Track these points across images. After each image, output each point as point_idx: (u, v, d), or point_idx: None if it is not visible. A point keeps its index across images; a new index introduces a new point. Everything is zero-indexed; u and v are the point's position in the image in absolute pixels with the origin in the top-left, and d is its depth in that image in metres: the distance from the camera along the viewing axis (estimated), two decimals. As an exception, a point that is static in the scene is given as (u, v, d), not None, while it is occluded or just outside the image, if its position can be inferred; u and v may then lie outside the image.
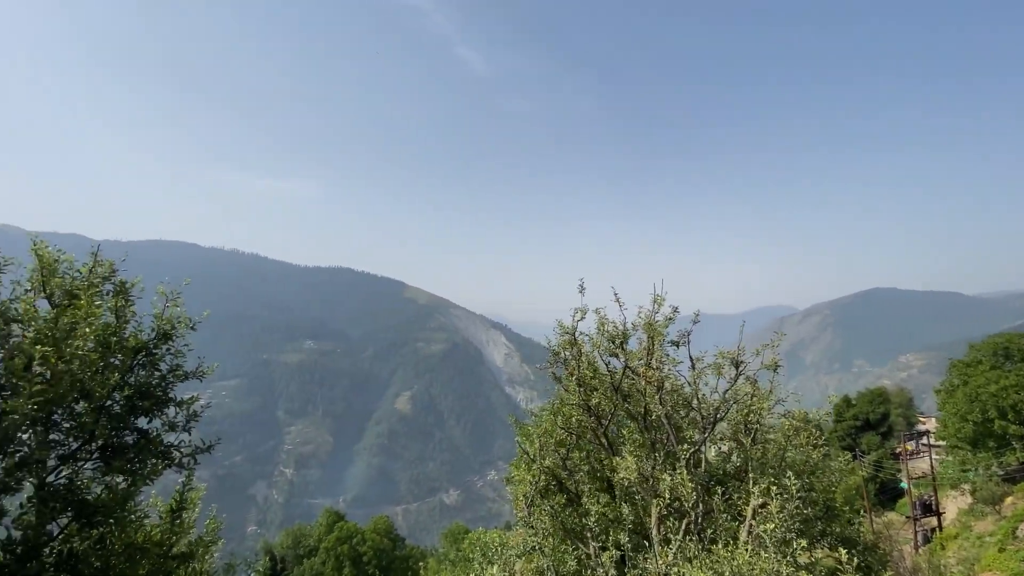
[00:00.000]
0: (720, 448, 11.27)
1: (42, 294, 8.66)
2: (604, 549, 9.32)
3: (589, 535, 9.41)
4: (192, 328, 9.83)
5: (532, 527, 10.27)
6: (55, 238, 9.41)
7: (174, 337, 9.46)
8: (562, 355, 10.62)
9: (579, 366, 10.19)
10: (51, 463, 8.12)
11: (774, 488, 8.17)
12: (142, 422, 8.95)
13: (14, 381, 7.48)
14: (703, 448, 10.26)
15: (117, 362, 8.64)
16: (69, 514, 7.98)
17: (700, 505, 9.16)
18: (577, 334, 10.36)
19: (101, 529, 7.98)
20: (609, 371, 10.41)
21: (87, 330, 7.91)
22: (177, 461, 8.83)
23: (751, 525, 8.46)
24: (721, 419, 10.05)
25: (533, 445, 11.17)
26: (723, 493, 9.46)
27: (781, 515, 7.75)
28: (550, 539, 10.27)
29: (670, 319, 9.85)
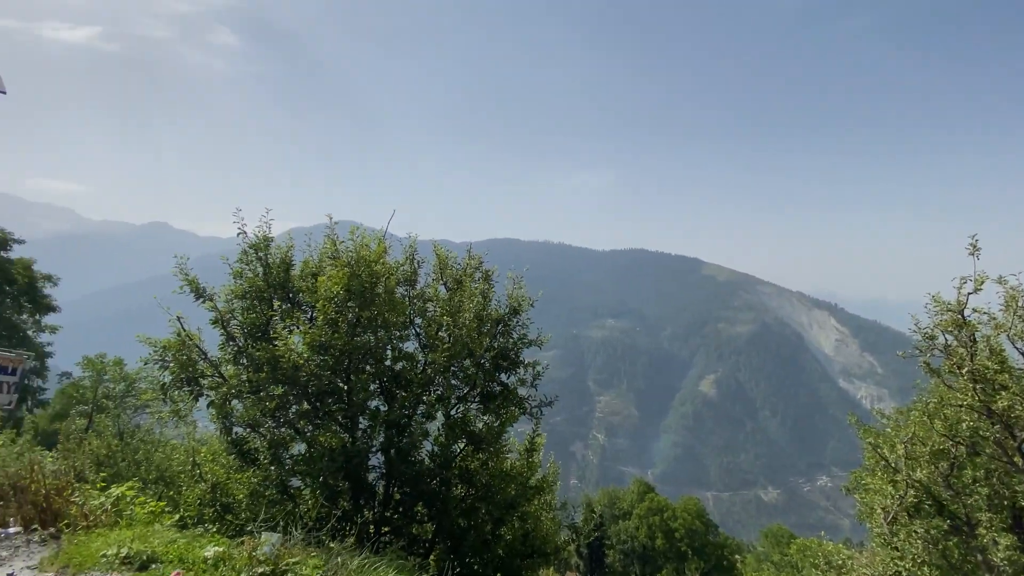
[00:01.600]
0: None
1: (440, 282, 11.97)
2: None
3: (995, 579, 7.05)
4: (531, 305, 11.89)
5: (896, 549, 8.37)
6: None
7: (520, 313, 11.66)
8: (941, 340, 8.13)
9: (972, 355, 7.60)
10: (452, 401, 11.23)
11: None
12: (504, 377, 11.41)
13: (432, 341, 10.68)
14: None
15: (486, 330, 11.22)
16: (464, 440, 10.89)
17: None
18: (967, 312, 7.74)
19: (484, 455, 10.62)
20: (1029, 364, 7.43)
21: (469, 306, 10.56)
22: (529, 410, 10.95)
23: None
24: None
25: (894, 451, 9.05)
26: None
27: None
28: (924, 569, 8.16)
29: None
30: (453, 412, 10.90)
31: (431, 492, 9.99)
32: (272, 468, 9.24)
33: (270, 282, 9.95)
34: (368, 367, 9.89)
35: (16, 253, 28.80)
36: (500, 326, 11.46)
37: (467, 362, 10.79)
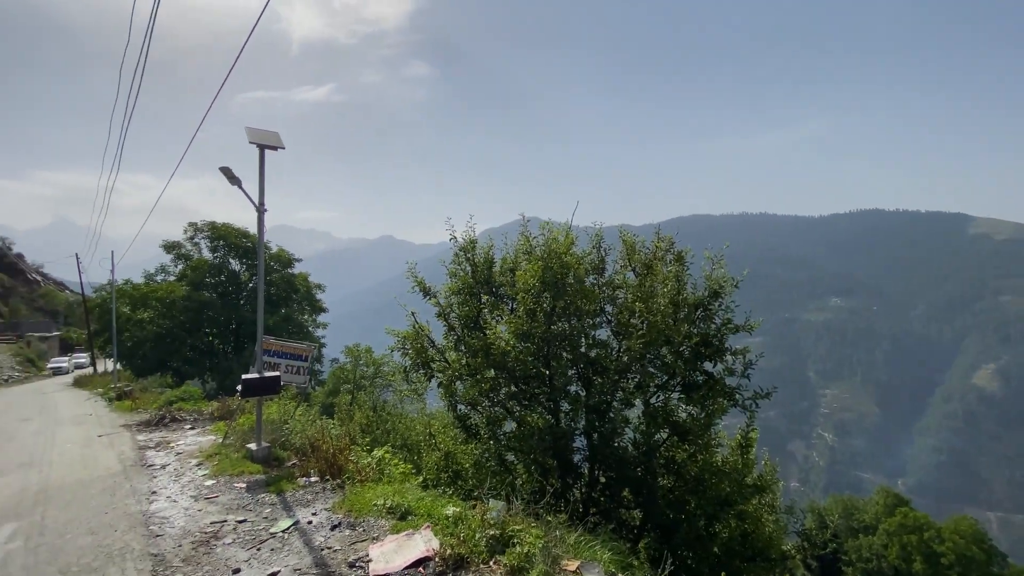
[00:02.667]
0: None
1: (628, 267, 11.75)
2: None
3: None
4: (735, 287, 10.83)
5: None
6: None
7: (722, 295, 10.72)
8: None
9: None
10: (651, 389, 10.96)
11: None
12: (707, 366, 10.66)
13: (625, 328, 10.58)
14: None
15: (683, 316, 10.64)
16: (666, 430, 10.53)
17: None
18: None
19: (691, 447, 10.12)
20: None
21: (663, 291, 10.16)
22: (740, 402, 10.02)
23: None
24: None
25: None
26: None
27: None
28: None
29: None
30: (653, 400, 10.64)
31: (637, 479, 9.94)
32: (491, 442, 10.37)
33: (477, 279, 11.16)
34: (565, 353, 10.31)
35: (297, 269, 38.26)
36: (700, 311, 10.74)
37: (664, 349, 10.40)
